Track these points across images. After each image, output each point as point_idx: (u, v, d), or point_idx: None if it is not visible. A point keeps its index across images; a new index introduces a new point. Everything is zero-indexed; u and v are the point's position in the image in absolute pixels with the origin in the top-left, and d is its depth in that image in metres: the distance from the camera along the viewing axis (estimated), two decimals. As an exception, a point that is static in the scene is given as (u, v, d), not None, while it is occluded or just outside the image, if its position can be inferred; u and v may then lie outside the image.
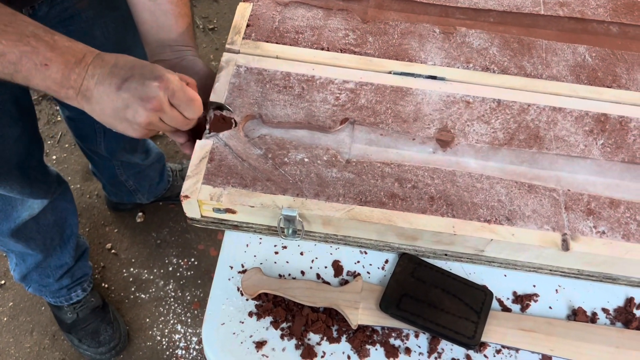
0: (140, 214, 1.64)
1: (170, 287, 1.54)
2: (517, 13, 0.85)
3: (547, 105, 0.76)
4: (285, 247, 0.72)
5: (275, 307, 0.67)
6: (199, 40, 2.05)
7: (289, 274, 0.70)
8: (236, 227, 0.71)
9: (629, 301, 0.69)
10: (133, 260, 1.58)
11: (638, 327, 0.67)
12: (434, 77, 0.77)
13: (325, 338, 0.66)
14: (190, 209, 0.68)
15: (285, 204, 0.65)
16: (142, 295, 1.53)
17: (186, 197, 0.65)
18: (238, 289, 0.69)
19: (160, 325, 1.48)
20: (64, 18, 0.89)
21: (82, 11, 0.91)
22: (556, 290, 0.70)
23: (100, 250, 1.59)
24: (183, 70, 0.75)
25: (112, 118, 0.60)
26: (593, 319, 0.68)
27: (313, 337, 0.66)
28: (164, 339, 1.47)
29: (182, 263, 1.57)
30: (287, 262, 0.71)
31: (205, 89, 0.72)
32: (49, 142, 1.78)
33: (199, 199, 0.65)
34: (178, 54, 0.76)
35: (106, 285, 1.54)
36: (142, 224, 1.63)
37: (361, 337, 0.65)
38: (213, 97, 0.73)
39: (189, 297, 1.53)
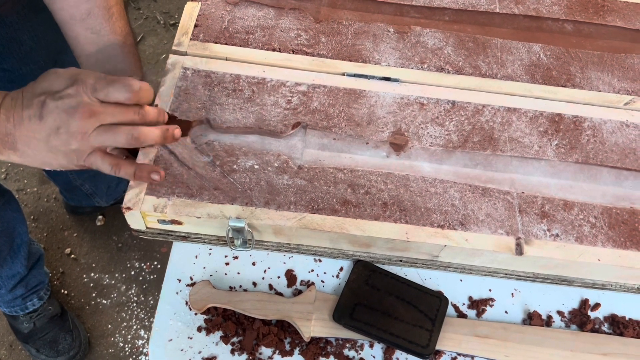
0: (100, 217, 1.59)
1: (133, 291, 1.50)
2: (472, 11, 0.84)
3: (501, 105, 0.75)
4: (236, 258, 0.70)
5: (225, 321, 0.65)
6: (160, 36, 2.00)
7: (240, 286, 0.68)
8: (184, 238, 0.68)
9: (584, 303, 0.69)
10: (93, 265, 1.53)
11: (592, 329, 0.67)
12: (388, 79, 0.75)
13: (277, 352, 0.64)
14: (134, 221, 0.65)
15: (234, 213, 0.63)
16: (104, 301, 1.48)
17: (128, 209, 0.62)
18: (186, 303, 0.66)
19: (123, 331, 1.45)
20: None
21: (4, 16, 0.86)
22: (512, 294, 0.69)
23: (59, 256, 1.54)
24: None
25: (48, 154, 0.56)
26: (548, 322, 0.68)
27: (265, 351, 0.64)
28: (126, 345, 1.43)
29: (144, 267, 1.54)
30: (239, 273, 0.69)
31: None
32: (3, 144, 1.71)
33: (142, 210, 0.62)
34: None
35: (66, 292, 1.49)
36: (103, 228, 1.59)
37: (314, 350, 0.63)
38: (158, 102, 0.70)
39: (152, 302, 1.49)
